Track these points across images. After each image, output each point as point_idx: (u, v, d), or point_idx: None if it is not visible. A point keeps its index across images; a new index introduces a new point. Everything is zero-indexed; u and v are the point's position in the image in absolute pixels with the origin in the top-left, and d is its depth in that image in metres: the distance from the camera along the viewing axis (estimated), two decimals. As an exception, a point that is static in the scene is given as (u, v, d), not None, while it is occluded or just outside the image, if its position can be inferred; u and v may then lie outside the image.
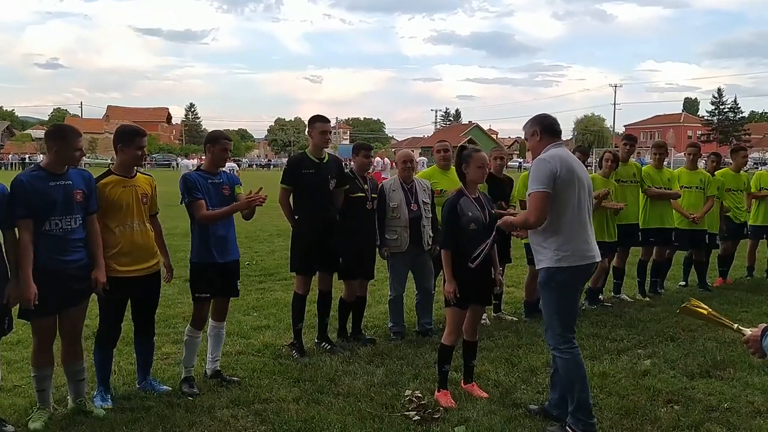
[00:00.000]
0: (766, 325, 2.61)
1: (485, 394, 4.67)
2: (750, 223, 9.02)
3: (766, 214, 8.94)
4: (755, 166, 44.95)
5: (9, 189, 3.98)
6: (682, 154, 28.35)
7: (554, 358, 4.29)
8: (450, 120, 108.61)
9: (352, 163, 6.15)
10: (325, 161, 5.60)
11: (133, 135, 4.46)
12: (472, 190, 4.64)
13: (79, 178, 4.17)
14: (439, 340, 5.94)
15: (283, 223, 7.89)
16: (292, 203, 5.69)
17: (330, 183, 5.58)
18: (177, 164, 20.28)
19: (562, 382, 4.15)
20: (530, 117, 4.23)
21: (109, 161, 56.87)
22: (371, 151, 6.22)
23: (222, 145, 4.84)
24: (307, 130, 5.81)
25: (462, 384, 4.79)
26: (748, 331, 2.66)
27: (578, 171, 4.06)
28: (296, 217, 5.66)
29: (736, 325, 2.74)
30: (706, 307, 2.83)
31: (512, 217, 4.38)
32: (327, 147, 5.74)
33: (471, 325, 4.80)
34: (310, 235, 5.53)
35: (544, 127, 4.12)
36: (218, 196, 4.80)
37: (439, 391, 4.62)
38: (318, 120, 5.60)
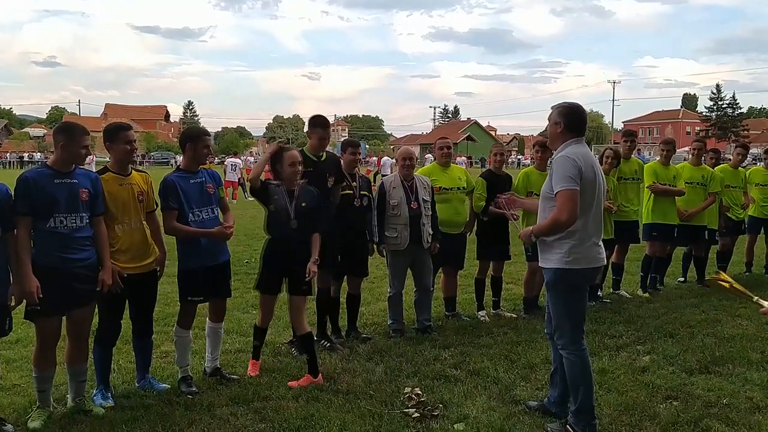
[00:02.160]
0: None
1: (297, 384, 4.75)
2: (749, 214, 9.00)
3: (765, 207, 8.94)
4: (753, 161, 44.87)
5: (13, 187, 3.98)
6: (682, 149, 28.42)
7: (554, 356, 4.29)
8: (449, 117, 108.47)
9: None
10: (323, 159, 5.59)
11: (116, 131, 4.42)
12: (288, 184, 4.90)
13: (86, 179, 4.18)
14: (439, 338, 5.99)
15: (281, 220, 7.86)
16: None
17: (328, 181, 5.57)
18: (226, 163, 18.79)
19: (565, 381, 4.11)
20: (560, 103, 4.07)
21: (107, 160, 56.94)
22: (359, 147, 6.20)
23: (204, 141, 4.75)
24: (306, 129, 5.79)
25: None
26: (766, 304, 2.88)
27: (598, 171, 3.97)
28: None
29: (755, 297, 2.95)
30: (730, 280, 3.09)
31: (530, 228, 4.06)
32: (324, 149, 5.73)
33: (293, 317, 5.05)
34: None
35: (570, 123, 3.97)
36: (202, 196, 4.71)
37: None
38: (318, 126, 5.56)
